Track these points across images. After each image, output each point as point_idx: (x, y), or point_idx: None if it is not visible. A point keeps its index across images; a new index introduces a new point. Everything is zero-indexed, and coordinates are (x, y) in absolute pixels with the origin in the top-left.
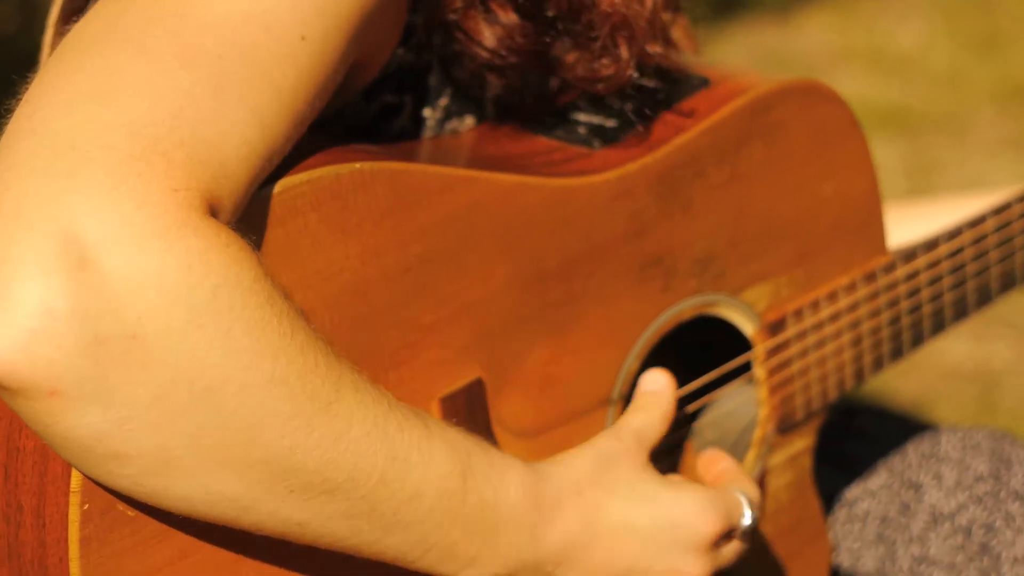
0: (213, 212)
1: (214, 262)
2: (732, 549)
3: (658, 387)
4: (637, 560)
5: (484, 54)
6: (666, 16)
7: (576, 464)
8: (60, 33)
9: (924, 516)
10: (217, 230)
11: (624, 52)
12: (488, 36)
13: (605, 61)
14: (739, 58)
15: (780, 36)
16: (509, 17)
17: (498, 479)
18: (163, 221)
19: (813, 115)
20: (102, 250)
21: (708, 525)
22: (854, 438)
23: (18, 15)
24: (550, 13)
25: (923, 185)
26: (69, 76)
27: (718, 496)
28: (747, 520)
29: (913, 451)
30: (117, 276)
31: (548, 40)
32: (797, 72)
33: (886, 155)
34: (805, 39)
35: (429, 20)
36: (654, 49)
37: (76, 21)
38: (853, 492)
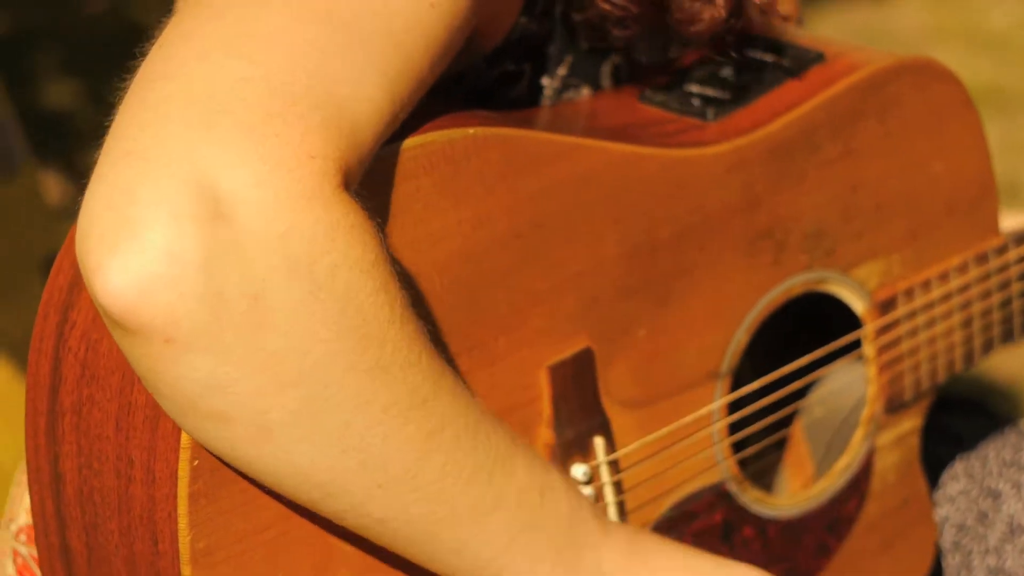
0: (345, 181)
1: (338, 240)
2: None
3: None
4: None
5: (606, 5)
6: None
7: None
8: None
9: (1001, 527)
10: (347, 207)
11: None
12: None
13: (699, 4)
14: (834, 37)
15: (875, 15)
16: None
17: (576, 499)
18: (298, 188)
19: (927, 93)
20: (236, 206)
21: None
22: (938, 438)
23: None
24: None
25: (1018, 165)
26: (206, 23)
27: None
28: None
29: (994, 457)
30: (247, 234)
31: None
32: (891, 51)
33: None
34: (900, 18)
35: None
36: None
37: None
38: (932, 497)
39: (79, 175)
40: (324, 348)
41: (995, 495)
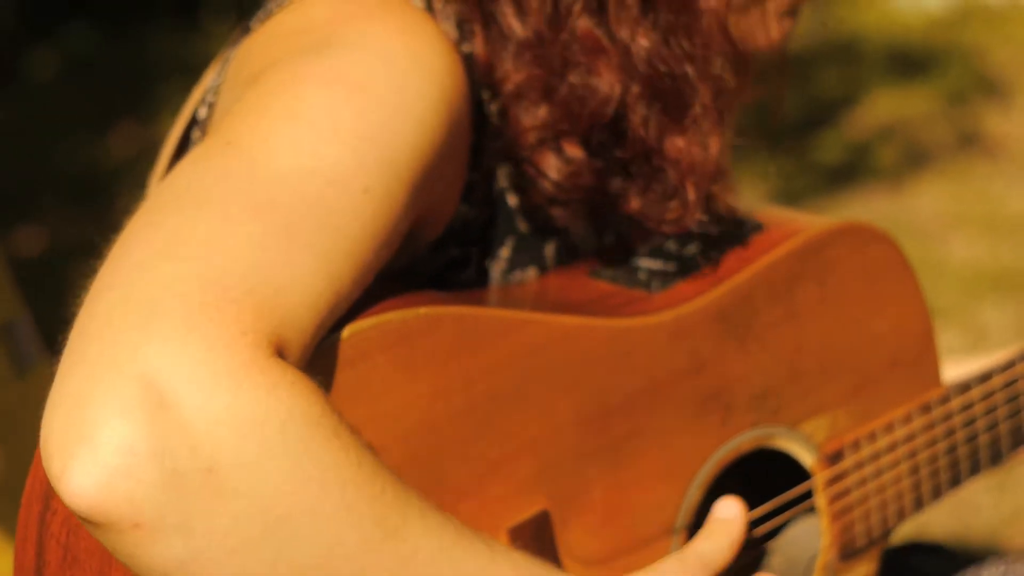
0: (280, 353)
1: (282, 398)
2: None
3: (730, 515)
4: None
5: (549, 187)
6: (725, 159)
7: None
8: None
9: None
10: (283, 369)
11: (691, 195)
12: (555, 171)
13: (672, 204)
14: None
15: (894, 204)
16: (576, 153)
17: None
18: (233, 362)
19: (863, 255)
20: (178, 392)
21: None
22: None
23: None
24: (620, 155)
25: None
26: (146, 235)
27: None
28: None
29: None
30: (192, 415)
31: (612, 179)
32: (911, 239)
33: (999, 318)
34: (919, 206)
35: (502, 154)
36: (718, 192)
37: None
38: None
39: None
40: (286, 501)
41: None
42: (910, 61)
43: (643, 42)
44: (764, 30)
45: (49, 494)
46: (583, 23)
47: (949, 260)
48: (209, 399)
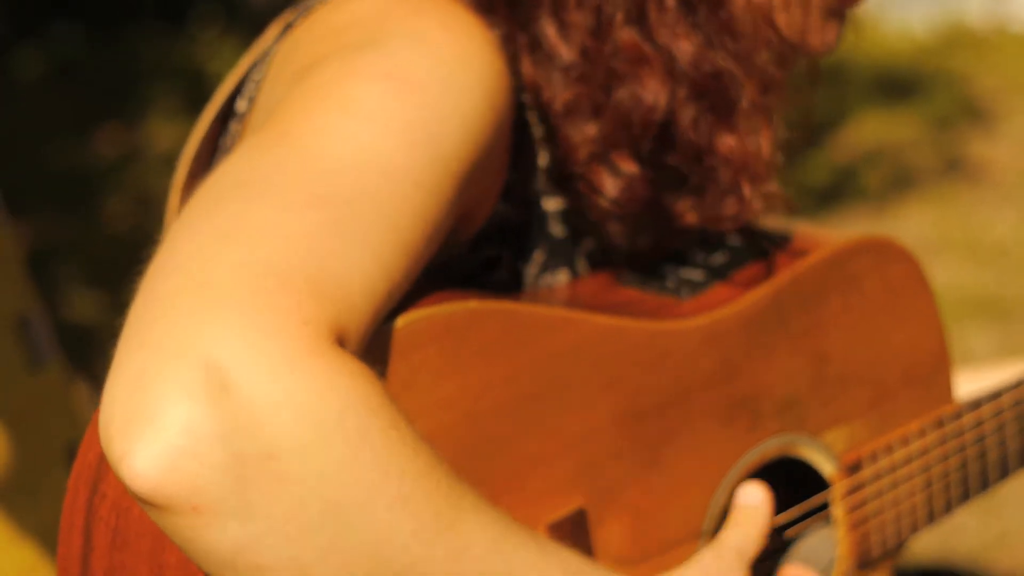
0: (340, 342)
1: (341, 387)
2: None
3: (754, 501)
4: None
5: (605, 204)
6: (777, 156)
7: None
8: (188, 189)
9: None
10: (343, 359)
11: (747, 191)
12: (611, 187)
13: (729, 201)
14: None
15: (878, 226)
16: (630, 168)
17: None
18: (294, 350)
19: (886, 270)
20: (240, 376)
21: None
22: None
23: (132, 214)
24: (672, 160)
25: None
26: (204, 221)
27: None
28: None
29: None
30: (254, 399)
31: (665, 188)
32: None
33: (982, 342)
34: (902, 229)
35: (554, 171)
36: (772, 187)
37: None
38: None
39: (101, 383)
40: (343, 489)
41: None
42: (896, 86)
43: (685, 45)
44: (809, 28)
45: (98, 479)
46: (625, 33)
47: (932, 284)
48: (270, 385)
